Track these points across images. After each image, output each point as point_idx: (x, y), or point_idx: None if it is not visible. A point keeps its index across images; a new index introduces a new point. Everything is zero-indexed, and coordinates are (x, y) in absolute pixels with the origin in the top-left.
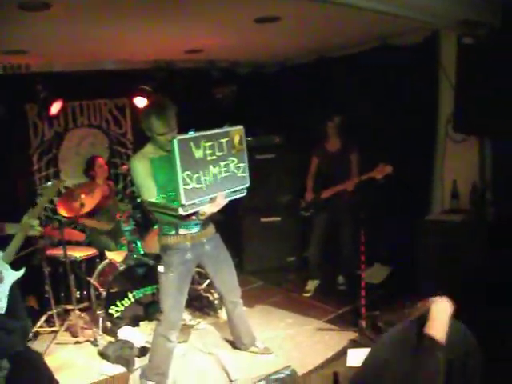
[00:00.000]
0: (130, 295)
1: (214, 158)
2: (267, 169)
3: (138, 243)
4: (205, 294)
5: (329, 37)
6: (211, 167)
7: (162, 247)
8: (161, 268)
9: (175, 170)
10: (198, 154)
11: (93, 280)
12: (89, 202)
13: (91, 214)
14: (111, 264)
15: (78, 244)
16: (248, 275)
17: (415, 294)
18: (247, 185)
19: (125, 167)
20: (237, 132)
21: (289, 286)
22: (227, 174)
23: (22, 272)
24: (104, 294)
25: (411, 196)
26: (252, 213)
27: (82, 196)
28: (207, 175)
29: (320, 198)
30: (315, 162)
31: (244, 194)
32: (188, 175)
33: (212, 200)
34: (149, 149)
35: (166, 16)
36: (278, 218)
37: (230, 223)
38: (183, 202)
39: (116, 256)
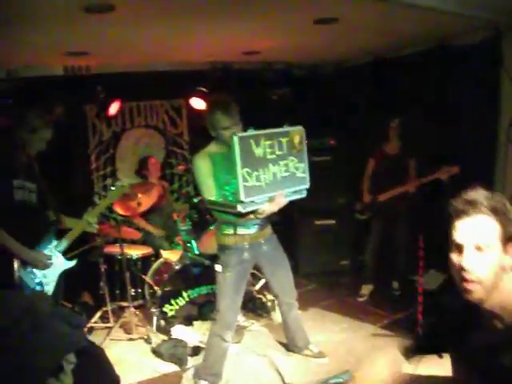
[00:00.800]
0: (185, 294)
1: (273, 156)
2: (323, 171)
3: (193, 243)
4: (258, 296)
5: (386, 37)
6: (271, 166)
7: (220, 246)
8: (218, 267)
9: (235, 167)
10: (258, 151)
11: (148, 278)
12: (145, 201)
13: (146, 213)
14: (166, 263)
15: (133, 242)
16: (301, 277)
17: None
18: (307, 186)
19: (181, 167)
20: (297, 132)
21: (342, 289)
22: (287, 173)
23: (73, 263)
24: (159, 292)
25: None
26: (307, 215)
27: (139, 195)
28: (267, 173)
29: (377, 201)
30: (372, 164)
31: (304, 195)
32: (247, 172)
33: (271, 199)
34: (212, 147)
35: (226, 18)
36: (333, 221)
37: (285, 225)
38: (242, 198)
39: (171, 255)
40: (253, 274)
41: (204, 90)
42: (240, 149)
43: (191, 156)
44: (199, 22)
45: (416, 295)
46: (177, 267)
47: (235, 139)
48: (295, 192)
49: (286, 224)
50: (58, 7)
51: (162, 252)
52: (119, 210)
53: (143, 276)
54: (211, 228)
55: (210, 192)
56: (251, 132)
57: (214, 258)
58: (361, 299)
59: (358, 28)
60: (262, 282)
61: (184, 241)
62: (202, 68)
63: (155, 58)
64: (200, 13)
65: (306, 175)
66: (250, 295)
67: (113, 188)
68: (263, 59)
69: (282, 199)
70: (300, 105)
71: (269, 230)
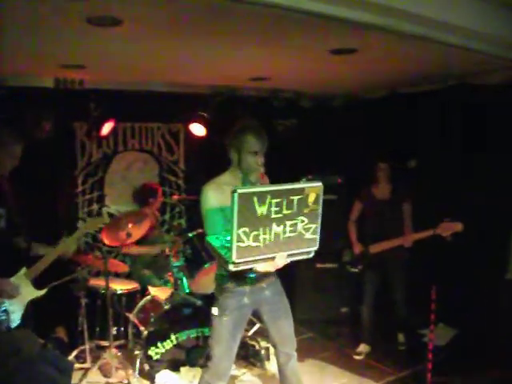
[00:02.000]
0: (173, 337)
1: (279, 215)
2: (327, 210)
3: (185, 281)
4: (251, 342)
5: (404, 71)
6: (274, 225)
7: (218, 288)
8: (215, 310)
9: (231, 225)
10: (261, 210)
11: (132, 316)
12: (136, 232)
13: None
14: (154, 301)
15: (117, 276)
16: (298, 324)
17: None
18: (315, 248)
19: (174, 197)
20: (314, 189)
21: (342, 340)
22: (293, 234)
23: (42, 292)
24: (144, 332)
25: (486, 253)
26: (309, 258)
27: (130, 225)
28: (267, 233)
29: (369, 253)
30: (358, 208)
31: (311, 256)
32: (245, 232)
33: (269, 259)
34: (225, 178)
35: (236, 41)
36: (335, 265)
37: (283, 266)
38: (234, 259)
39: (160, 293)
40: None
41: (205, 115)
42: (239, 206)
43: (186, 185)
44: (207, 44)
45: (424, 351)
46: (165, 306)
47: (235, 196)
48: (300, 253)
49: (285, 265)
50: (59, 15)
51: (150, 288)
52: (106, 239)
53: (127, 314)
54: (206, 266)
55: (214, 230)
56: (256, 188)
57: (207, 299)
58: (357, 357)
59: (376, 60)
60: (257, 327)
61: (175, 278)
62: (204, 92)
63: (155, 78)
64: (210, 34)
65: (317, 236)
66: (243, 341)
67: (94, 218)
68: (271, 86)
69: (281, 261)
70: (306, 137)
71: (273, 274)
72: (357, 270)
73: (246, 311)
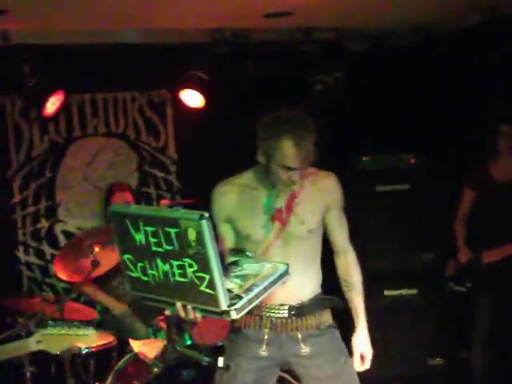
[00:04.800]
0: None
1: (160, 250)
2: (395, 208)
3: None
4: None
5: None
6: (159, 261)
7: (229, 328)
8: (220, 361)
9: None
10: (139, 237)
11: None
12: (107, 258)
13: (106, 277)
14: (138, 361)
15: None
16: None
17: None
18: (218, 310)
19: (164, 202)
20: (192, 224)
21: None
22: (183, 279)
23: None
24: None
25: None
26: (370, 282)
27: (96, 249)
28: (154, 269)
29: (482, 263)
30: (470, 198)
31: (228, 319)
32: (130, 260)
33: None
34: (247, 179)
35: None
36: (413, 291)
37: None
38: (128, 288)
39: (147, 348)
40: (280, 379)
41: (203, 76)
42: (116, 228)
43: (181, 183)
44: None
45: None
46: (155, 368)
47: (109, 214)
48: (210, 311)
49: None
50: None
51: (132, 343)
52: (61, 273)
53: None
54: None
55: (224, 243)
56: (127, 208)
57: (218, 354)
58: None
59: None
60: None
61: (169, 324)
62: (199, 40)
63: (125, 23)
64: None
65: (218, 295)
66: None
67: None
68: (298, 25)
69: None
70: (359, 99)
71: (321, 317)
72: (464, 289)
73: (264, 367)
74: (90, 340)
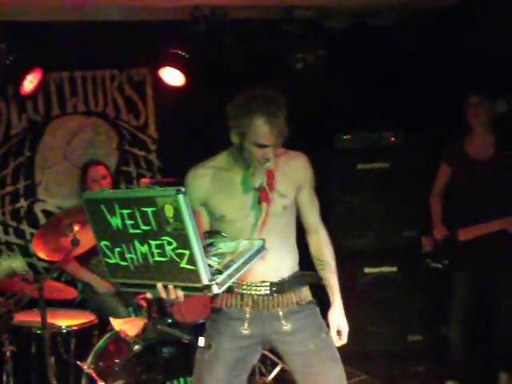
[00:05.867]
0: None
1: (138, 231)
2: (376, 186)
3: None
4: None
5: None
6: (137, 243)
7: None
8: (201, 341)
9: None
10: (115, 222)
11: (87, 366)
12: (86, 237)
13: (86, 256)
14: (119, 340)
15: (62, 306)
16: (343, 362)
17: None
18: (200, 284)
19: (145, 180)
20: (167, 200)
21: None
22: (163, 258)
23: None
24: None
25: None
26: (350, 260)
27: (76, 228)
28: (133, 253)
29: (458, 240)
30: (446, 174)
31: (209, 294)
32: (107, 246)
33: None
34: (220, 161)
35: None
36: (393, 268)
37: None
38: (109, 276)
39: (128, 326)
40: (262, 356)
41: (182, 53)
42: (91, 215)
43: (162, 163)
44: None
45: None
46: (136, 347)
47: (82, 202)
48: (191, 288)
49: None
50: None
51: (113, 321)
52: (41, 252)
53: (79, 363)
54: None
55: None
56: (101, 194)
57: (199, 332)
58: None
59: None
60: (278, 369)
61: (150, 302)
62: (177, 17)
63: (102, 1)
64: None
65: (199, 269)
66: None
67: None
68: (279, 2)
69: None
70: (340, 78)
71: (301, 293)
72: (440, 266)
73: (245, 347)
74: (72, 319)
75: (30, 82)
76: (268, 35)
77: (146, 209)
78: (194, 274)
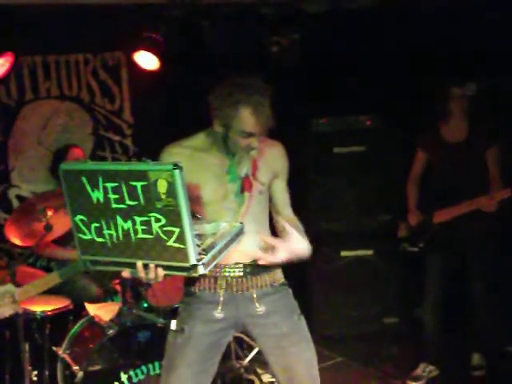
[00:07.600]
0: (124, 377)
1: (122, 206)
2: (352, 170)
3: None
4: (248, 377)
5: None
6: (119, 219)
7: (184, 292)
8: (173, 324)
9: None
10: (97, 195)
11: (62, 351)
12: (60, 222)
13: (60, 242)
14: (94, 324)
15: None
16: (319, 344)
17: None
18: (188, 264)
19: None
20: (162, 175)
21: (388, 366)
22: (148, 235)
23: None
24: (80, 374)
25: None
26: (327, 244)
27: (49, 213)
28: (112, 229)
29: (432, 224)
30: (422, 160)
31: (195, 275)
32: (82, 221)
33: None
34: (197, 142)
35: None
36: (369, 252)
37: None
38: (79, 254)
39: (103, 311)
40: (239, 340)
41: (157, 37)
42: (68, 188)
43: (137, 147)
44: None
45: None
46: (111, 331)
47: (60, 173)
48: (175, 268)
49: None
50: None
51: (88, 306)
52: (14, 238)
53: (54, 348)
54: None
55: None
56: (83, 165)
57: (174, 316)
58: None
59: None
60: (255, 352)
61: (125, 286)
62: (153, 1)
63: None
64: None
65: (187, 248)
66: (235, 374)
67: None
68: None
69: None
70: (316, 61)
71: (274, 275)
72: (416, 249)
73: (218, 330)
74: (46, 304)
75: (1, 66)
76: (244, 19)
77: (134, 183)
78: (182, 253)
